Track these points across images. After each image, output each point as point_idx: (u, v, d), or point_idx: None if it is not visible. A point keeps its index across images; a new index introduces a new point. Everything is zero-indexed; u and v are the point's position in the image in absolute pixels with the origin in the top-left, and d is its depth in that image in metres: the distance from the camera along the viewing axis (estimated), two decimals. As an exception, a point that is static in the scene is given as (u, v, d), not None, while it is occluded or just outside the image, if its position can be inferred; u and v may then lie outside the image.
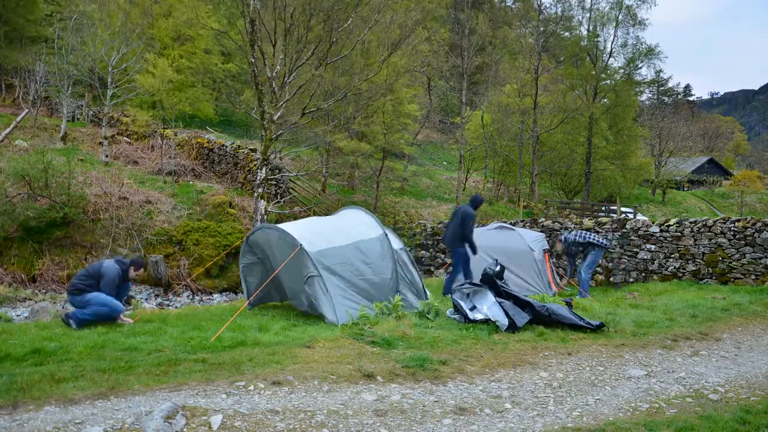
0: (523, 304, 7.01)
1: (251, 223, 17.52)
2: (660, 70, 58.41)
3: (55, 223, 16.40)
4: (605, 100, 35.58)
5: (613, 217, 17.22)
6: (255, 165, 20.53)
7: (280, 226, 7.81)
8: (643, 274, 12.27)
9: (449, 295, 8.43)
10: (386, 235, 7.99)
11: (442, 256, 16.57)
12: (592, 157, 33.68)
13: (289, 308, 8.30)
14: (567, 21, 38.05)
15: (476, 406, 4.44)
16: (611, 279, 12.88)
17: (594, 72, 34.27)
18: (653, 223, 12.50)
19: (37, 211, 16.04)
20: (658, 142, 44.18)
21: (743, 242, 10.85)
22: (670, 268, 11.85)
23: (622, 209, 27.73)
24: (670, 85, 67.31)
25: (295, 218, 19.85)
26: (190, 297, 16.42)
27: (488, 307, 6.85)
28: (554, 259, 13.13)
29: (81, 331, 6.23)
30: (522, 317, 6.74)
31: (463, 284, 7.40)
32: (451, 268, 10.54)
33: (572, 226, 14.03)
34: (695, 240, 11.53)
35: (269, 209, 16.56)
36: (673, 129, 44.67)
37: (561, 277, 11.99)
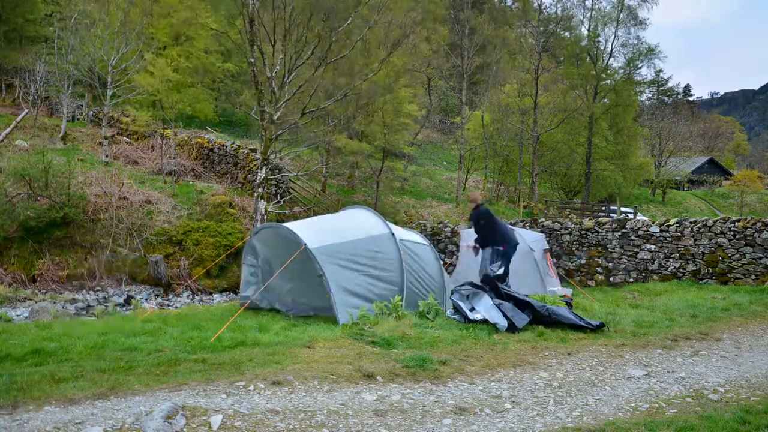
0: (523, 304, 7.01)
1: (251, 223, 17.52)
2: (660, 70, 58.37)
3: (55, 223, 16.40)
4: (605, 100, 35.57)
5: (613, 217, 17.22)
6: (255, 165, 20.53)
7: (286, 224, 7.84)
8: (643, 274, 12.27)
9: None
10: (392, 234, 8.01)
11: (442, 256, 16.57)
12: (592, 157, 33.67)
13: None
14: (567, 21, 38.04)
15: (476, 406, 4.44)
16: (611, 279, 12.88)
17: (594, 72, 34.26)
18: (653, 223, 12.50)
19: (37, 211, 16.04)
20: (658, 142, 44.18)
21: (743, 242, 10.85)
22: (670, 268, 11.85)
23: (622, 209, 27.73)
24: (670, 85, 67.36)
25: (295, 218, 19.88)
26: (190, 297, 16.42)
27: (486, 309, 6.84)
28: (554, 260, 13.13)
29: (81, 331, 6.23)
30: (521, 318, 6.74)
31: (462, 285, 7.39)
32: (451, 267, 10.60)
33: (572, 226, 14.04)
34: (695, 240, 11.53)
35: (269, 209, 16.56)
36: (673, 129, 44.67)
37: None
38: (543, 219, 15.30)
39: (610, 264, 12.95)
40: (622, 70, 36.15)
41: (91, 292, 15.83)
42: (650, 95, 62.34)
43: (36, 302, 13.75)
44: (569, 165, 34.53)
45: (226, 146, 24.49)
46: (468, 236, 12.28)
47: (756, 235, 10.68)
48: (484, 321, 6.81)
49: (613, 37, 35.09)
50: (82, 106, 29.98)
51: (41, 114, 27.84)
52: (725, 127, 73.76)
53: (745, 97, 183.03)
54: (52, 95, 28.25)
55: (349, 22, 16.22)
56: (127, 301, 14.91)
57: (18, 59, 28.28)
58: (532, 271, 10.88)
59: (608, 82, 35.69)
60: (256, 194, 16.07)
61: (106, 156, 23.16)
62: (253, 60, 15.12)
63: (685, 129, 48.22)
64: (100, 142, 24.10)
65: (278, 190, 21.37)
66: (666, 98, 65.14)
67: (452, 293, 7.40)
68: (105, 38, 23.17)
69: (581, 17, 36.45)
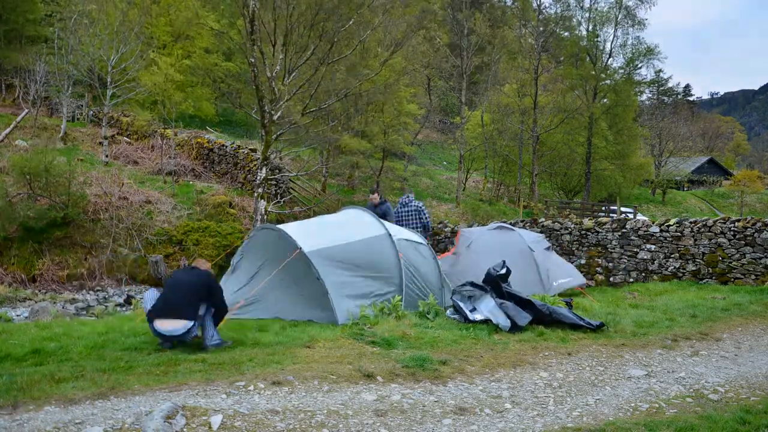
0: (524, 303, 7.01)
1: (251, 223, 17.52)
2: (660, 70, 58.29)
3: (55, 223, 16.40)
4: (605, 100, 35.58)
5: (613, 217, 17.22)
6: (255, 165, 20.53)
7: (280, 226, 7.80)
8: (643, 274, 12.27)
9: None
10: (389, 234, 7.99)
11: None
12: (592, 157, 33.68)
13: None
14: (566, 21, 38.06)
15: (476, 406, 4.44)
16: (611, 279, 12.89)
17: (594, 72, 34.28)
18: (653, 223, 12.50)
19: (37, 211, 16.04)
20: (658, 142, 44.19)
21: (743, 242, 10.85)
22: (670, 268, 11.85)
23: (622, 209, 27.75)
24: (670, 85, 67.36)
25: (295, 218, 19.88)
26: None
27: (489, 310, 6.83)
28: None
29: (81, 331, 6.24)
30: (524, 317, 6.74)
31: (464, 286, 7.38)
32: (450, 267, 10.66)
33: (572, 226, 14.03)
34: (695, 240, 11.53)
35: (269, 209, 16.56)
36: (673, 129, 44.69)
37: None
38: (543, 219, 15.30)
39: (610, 264, 12.95)
40: (621, 71, 36.17)
41: (91, 292, 15.83)
42: (650, 95, 62.37)
43: (36, 302, 13.75)
44: (569, 165, 34.55)
45: (226, 146, 24.49)
46: (468, 236, 12.28)
47: (756, 235, 10.68)
48: (484, 321, 6.81)
49: (612, 37, 35.14)
50: (82, 106, 29.99)
51: (41, 114, 27.84)
52: (725, 127, 73.80)
53: (745, 97, 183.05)
54: (52, 95, 28.25)
55: (351, 23, 16.22)
56: (127, 301, 14.91)
57: (18, 59, 28.27)
58: (532, 271, 10.87)
59: (608, 82, 35.71)
60: (256, 194, 16.07)
61: (106, 156, 23.16)
62: (253, 60, 15.12)
63: (685, 129, 48.24)
64: (100, 142, 24.10)
65: (278, 190, 21.37)
66: (666, 98, 65.14)
67: (453, 293, 7.39)
68: (104, 38, 23.17)
69: (579, 18, 36.51)
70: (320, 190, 25.43)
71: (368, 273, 7.52)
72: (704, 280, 11.23)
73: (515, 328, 6.62)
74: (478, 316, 6.86)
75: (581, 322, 6.86)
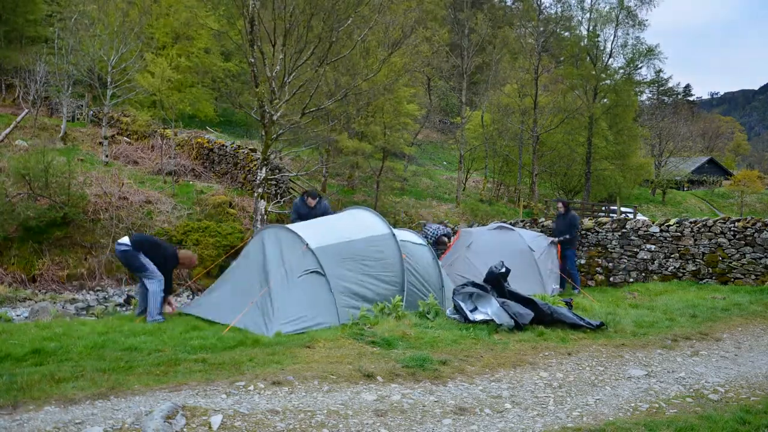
0: (526, 302, 7.01)
1: (251, 223, 17.52)
2: (660, 70, 58.28)
3: (55, 223, 16.39)
4: (605, 100, 35.58)
5: (613, 217, 17.21)
6: (255, 165, 20.53)
7: (289, 226, 7.81)
8: (643, 274, 12.27)
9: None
10: (393, 234, 8.02)
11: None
12: (592, 157, 33.68)
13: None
14: (567, 21, 38.06)
15: (476, 406, 4.44)
16: (611, 279, 12.88)
17: (594, 72, 34.27)
18: (653, 223, 12.50)
19: (37, 211, 16.04)
20: (658, 142, 44.19)
21: (743, 242, 10.85)
22: (670, 268, 11.85)
23: (622, 209, 27.75)
24: (670, 85, 67.37)
25: (295, 218, 19.85)
26: (190, 297, 16.41)
27: (493, 311, 6.82)
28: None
29: (81, 331, 6.24)
30: (527, 314, 6.74)
31: (464, 286, 7.37)
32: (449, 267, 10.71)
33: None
34: (695, 240, 11.53)
35: (269, 209, 16.56)
36: (673, 129, 44.68)
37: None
38: (543, 219, 15.30)
39: (610, 264, 12.95)
40: (621, 71, 36.18)
41: (91, 292, 15.83)
42: (650, 95, 62.37)
43: (36, 302, 13.74)
44: (569, 165, 34.54)
45: (226, 146, 24.49)
46: (468, 236, 12.29)
47: (756, 235, 10.68)
48: (485, 321, 6.81)
49: (612, 37, 35.14)
50: (82, 106, 29.97)
51: (41, 114, 27.83)
52: (725, 127, 73.78)
53: (745, 97, 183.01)
54: (52, 95, 28.23)
55: (349, 22, 16.22)
56: (127, 301, 14.91)
57: (18, 59, 28.26)
58: (532, 271, 10.88)
59: (608, 82, 35.71)
60: (256, 194, 16.07)
61: (106, 156, 23.15)
62: (253, 60, 15.12)
63: (685, 129, 48.22)
64: (100, 142, 24.09)
65: (278, 190, 21.36)
66: (666, 98, 65.14)
67: (454, 293, 7.39)
68: (104, 38, 23.17)
69: (580, 18, 36.52)
70: (320, 190, 25.43)
71: (371, 271, 7.54)
72: (704, 280, 11.23)
73: (518, 327, 6.62)
74: (478, 316, 6.85)
75: (581, 322, 6.86)
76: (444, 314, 7.28)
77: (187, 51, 29.26)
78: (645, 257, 12.28)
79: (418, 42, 23.43)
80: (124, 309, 13.28)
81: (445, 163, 43.51)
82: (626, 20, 34.58)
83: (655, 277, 12.04)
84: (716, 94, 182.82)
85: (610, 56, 35.44)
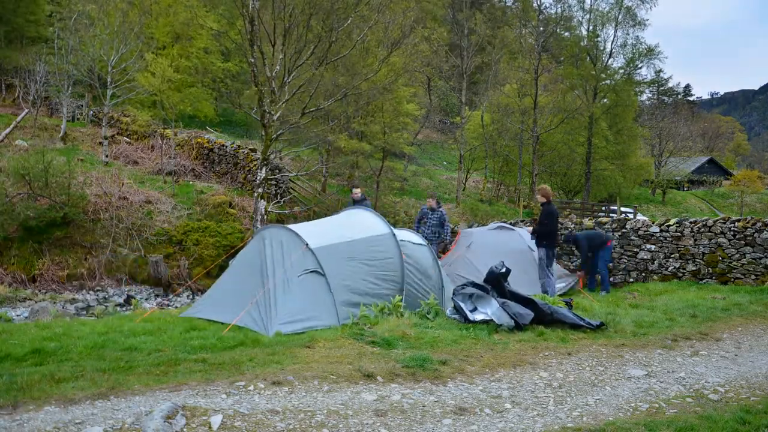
0: (526, 302, 7.01)
1: (251, 223, 17.52)
2: (660, 70, 58.22)
3: (55, 223, 16.39)
4: (605, 100, 35.59)
5: (613, 217, 17.21)
6: (255, 165, 20.53)
7: (289, 226, 7.81)
8: (643, 274, 12.27)
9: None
10: (393, 234, 8.02)
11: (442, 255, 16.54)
12: (592, 157, 33.68)
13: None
14: (567, 21, 38.06)
15: (476, 406, 4.45)
16: (611, 279, 12.88)
17: (594, 72, 34.27)
18: (653, 223, 12.50)
19: (37, 211, 16.04)
20: (658, 142, 44.18)
21: (743, 242, 10.85)
22: (670, 268, 11.84)
23: (622, 209, 27.73)
24: (670, 85, 67.31)
25: (295, 218, 19.89)
26: (190, 297, 16.42)
27: (493, 312, 6.82)
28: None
29: (81, 331, 6.24)
30: (527, 314, 6.73)
31: (464, 286, 7.36)
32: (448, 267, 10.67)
33: (572, 226, 14.03)
34: (695, 240, 11.53)
35: (269, 209, 16.57)
36: (673, 129, 44.67)
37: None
38: (543, 219, 15.28)
39: (610, 264, 12.94)
40: (621, 71, 36.17)
41: (91, 292, 15.83)
42: (650, 95, 62.33)
43: (36, 302, 13.74)
44: (569, 165, 34.54)
45: (226, 146, 24.50)
46: (468, 236, 12.29)
47: (756, 235, 10.68)
48: (484, 321, 6.81)
49: (612, 37, 35.14)
50: (82, 106, 29.98)
51: (41, 114, 27.84)
52: (725, 127, 73.76)
53: (745, 97, 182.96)
54: (52, 95, 28.25)
55: (349, 22, 16.22)
56: (127, 301, 14.92)
57: (18, 59, 28.27)
58: (533, 271, 10.88)
59: (608, 82, 35.71)
60: (256, 194, 16.06)
61: (106, 156, 23.16)
62: (253, 60, 15.11)
63: (685, 129, 48.20)
64: (100, 142, 24.10)
65: (278, 190, 21.36)
66: (666, 98, 65.11)
67: (454, 293, 7.39)
68: (104, 38, 23.17)
69: (580, 18, 36.53)
70: (320, 190, 25.43)
71: (372, 271, 7.54)
72: (704, 280, 11.23)
73: (518, 327, 6.62)
74: (478, 316, 6.85)
75: (581, 322, 6.86)
76: (444, 314, 7.28)
77: (187, 51, 29.25)
78: (645, 257, 12.28)
79: (417, 41, 23.43)
80: (124, 309, 13.28)
81: (445, 163, 43.51)
82: (626, 20, 34.58)
83: (655, 277, 12.04)
84: (716, 94, 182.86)
85: (610, 56, 35.47)
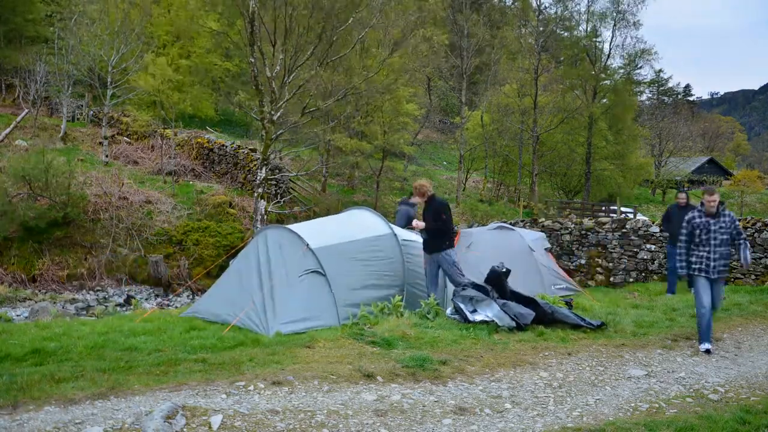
0: (526, 302, 7.00)
1: (251, 223, 17.52)
2: (660, 70, 58.13)
3: (55, 223, 16.39)
4: (605, 100, 35.59)
5: (613, 217, 17.22)
6: (255, 165, 20.53)
7: (288, 226, 7.81)
8: (643, 274, 12.27)
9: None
10: (394, 234, 8.01)
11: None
12: (592, 157, 33.68)
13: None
14: (566, 21, 38.04)
15: (476, 406, 4.44)
16: (611, 279, 12.88)
17: (593, 72, 34.28)
18: (653, 223, 12.50)
19: (37, 211, 16.04)
20: (658, 142, 44.15)
21: (743, 242, 10.84)
22: (670, 268, 11.84)
23: (622, 209, 27.71)
24: (670, 85, 67.21)
25: (296, 218, 19.89)
26: (190, 297, 16.42)
27: (494, 314, 6.79)
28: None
29: (81, 331, 6.24)
30: (528, 313, 6.71)
31: (464, 288, 7.32)
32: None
33: (572, 226, 14.05)
34: (695, 240, 11.52)
35: (269, 209, 16.57)
36: (673, 129, 44.63)
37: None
38: (543, 219, 15.30)
39: (610, 264, 12.95)
40: (621, 70, 36.20)
41: (91, 292, 15.83)
42: (650, 95, 62.25)
43: (36, 302, 13.75)
44: (569, 165, 34.54)
45: (226, 146, 24.49)
46: (468, 236, 12.28)
47: (756, 235, 10.68)
48: (483, 322, 6.80)
49: (611, 37, 35.16)
50: (82, 106, 29.98)
51: (41, 114, 27.84)
52: (725, 127, 73.69)
53: (745, 97, 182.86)
54: (52, 95, 28.25)
55: (349, 21, 16.22)
56: (127, 301, 14.92)
57: (18, 59, 28.27)
58: (533, 271, 10.87)
59: (607, 82, 35.73)
60: (256, 194, 16.07)
61: (106, 156, 23.16)
62: (253, 60, 15.12)
63: (685, 129, 48.15)
64: (100, 142, 24.10)
65: (278, 190, 21.36)
66: (666, 98, 65.03)
67: (454, 294, 7.36)
68: (104, 38, 23.17)
69: (578, 18, 36.54)
70: (320, 190, 25.43)
71: (372, 271, 7.54)
72: (704, 280, 11.22)
73: (519, 327, 6.61)
74: (478, 317, 6.84)
75: (582, 322, 6.86)
76: (444, 314, 7.27)
77: (188, 51, 29.25)
78: (645, 257, 12.28)
79: (417, 42, 23.43)
80: (124, 309, 13.28)
81: (445, 163, 43.51)
82: (620, 19, 34.60)
83: (655, 277, 12.04)
84: (716, 94, 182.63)
85: (608, 56, 35.50)
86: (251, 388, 4.39)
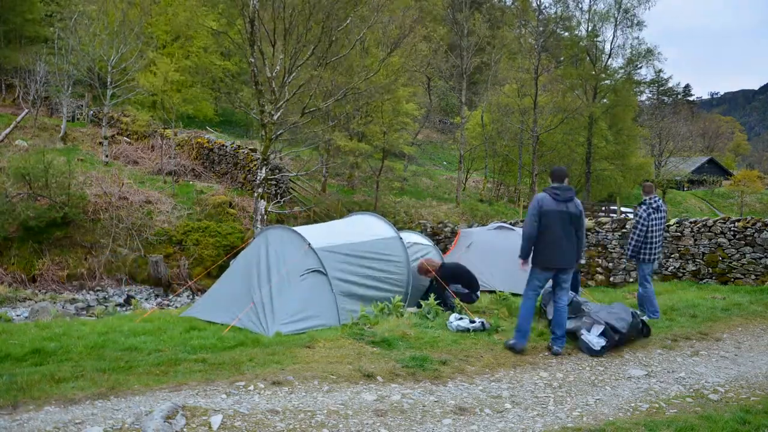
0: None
1: (251, 223, 17.52)
2: (660, 70, 58.13)
3: (55, 223, 16.40)
4: (605, 100, 35.61)
5: (613, 217, 17.21)
6: (255, 165, 20.53)
7: (293, 228, 7.82)
8: (643, 274, 12.26)
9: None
10: (400, 237, 8.04)
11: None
12: (592, 157, 33.72)
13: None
14: (566, 21, 38.07)
15: (476, 406, 4.44)
16: (611, 279, 12.88)
17: (594, 72, 34.30)
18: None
19: (37, 211, 16.04)
20: (658, 142, 44.16)
21: (743, 242, 10.85)
22: (670, 268, 11.85)
23: (622, 209, 27.73)
24: (669, 85, 67.19)
25: (295, 218, 19.89)
26: (190, 297, 16.42)
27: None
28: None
29: (81, 331, 6.23)
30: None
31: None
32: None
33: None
34: (695, 240, 11.53)
35: (269, 209, 16.56)
36: (673, 129, 44.65)
37: None
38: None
39: (611, 264, 12.95)
40: (621, 71, 36.21)
41: (91, 292, 15.83)
42: (650, 95, 62.26)
43: (36, 302, 13.74)
44: (569, 165, 34.53)
45: (226, 146, 24.50)
46: (468, 236, 12.29)
47: (756, 235, 10.68)
48: (467, 330, 6.62)
49: (612, 37, 35.20)
50: (82, 106, 29.99)
51: (41, 114, 27.84)
52: (725, 127, 73.73)
53: (745, 97, 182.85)
54: (52, 95, 28.25)
55: (348, 22, 16.22)
56: (127, 301, 14.92)
57: (18, 59, 28.27)
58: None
59: (608, 82, 35.76)
60: (256, 194, 16.06)
61: (106, 156, 23.16)
62: (253, 60, 15.12)
63: (685, 129, 48.17)
64: (100, 142, 24.10)
65: (278, 190, 21.36)
66: (666, 98, 65.03)
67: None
68: (104, 38, 23.17)
69: (579, 18, 36.56)
70: (320, 190, 25.43)
71: (375, 273, 7.55)
72: (704, 280, 11.23)
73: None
74: (462, 324, 6.70)
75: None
76: (444, 314, 7.26)
77: (187, 50, 29.25)
78: (645, 257, 12.26)
79: (416, 41, 23.44)
80: (124, 309, 13.28)
81: (444, 163, 43.51)
82: (624, 20, 34.63)
83: (655, 277, 12.03)
84: (716, 94, 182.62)
85: (609, 56, 35.50)
86: (251, 388, 4.39)
